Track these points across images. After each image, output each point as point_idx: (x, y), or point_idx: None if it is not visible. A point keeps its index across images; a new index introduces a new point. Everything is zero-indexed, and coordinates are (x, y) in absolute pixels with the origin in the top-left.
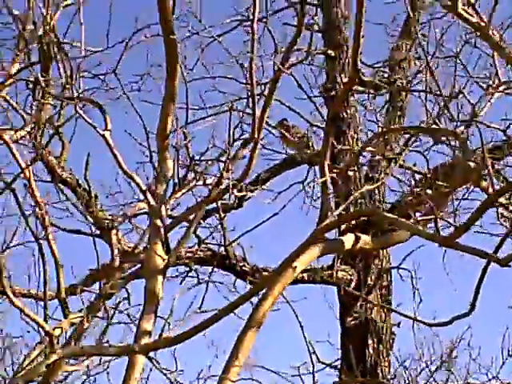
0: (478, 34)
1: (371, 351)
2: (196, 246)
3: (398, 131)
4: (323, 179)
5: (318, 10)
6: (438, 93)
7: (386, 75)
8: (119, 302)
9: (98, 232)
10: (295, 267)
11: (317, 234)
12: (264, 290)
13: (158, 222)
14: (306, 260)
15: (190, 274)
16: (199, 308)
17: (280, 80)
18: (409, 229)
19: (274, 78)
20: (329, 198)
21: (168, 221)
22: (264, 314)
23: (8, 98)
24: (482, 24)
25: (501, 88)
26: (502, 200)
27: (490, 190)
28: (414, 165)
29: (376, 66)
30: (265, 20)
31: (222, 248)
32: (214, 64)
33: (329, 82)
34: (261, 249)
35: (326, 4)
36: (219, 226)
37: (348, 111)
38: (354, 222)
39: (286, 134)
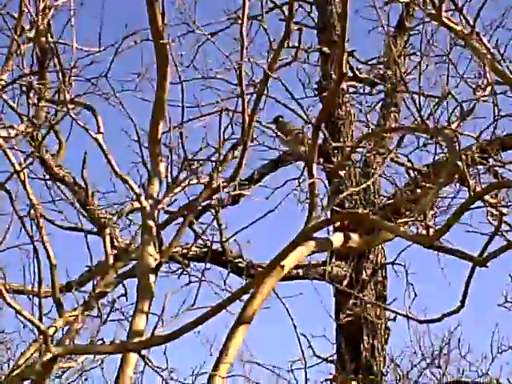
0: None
1: (366, 346)
2: (191, 242)
3: (387, 131)
4: (311, 180)
5: (313, 7)
6: (429, 94)
7: (380, 72)
8: (114, 301)
9: (95, 230)
10: (283, 266)
11: (304, 234)
12: (253, 289)
13: (151, 223)
14: (294, 259)
15: (182, 271)
16: (192, 305)
17: (269, 81)
18: (393, 231)
19: (262, 79)
20: (316, 199)
21: (164, 217)
22: (253, 312)
23: (6, 97)
24: (466, 32)
25: (488, 89)
26: (489, 199)
27: (478, 188)
28: (409, 161)
29: (370, 62)
30: (259, 18)
31: (218, 244)
32: (207, 63)
33: (323, 79)
34: (258, 245)
35: (321, 2)
36: (215, 223)
37: (343, 108)
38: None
39: (280, 131)
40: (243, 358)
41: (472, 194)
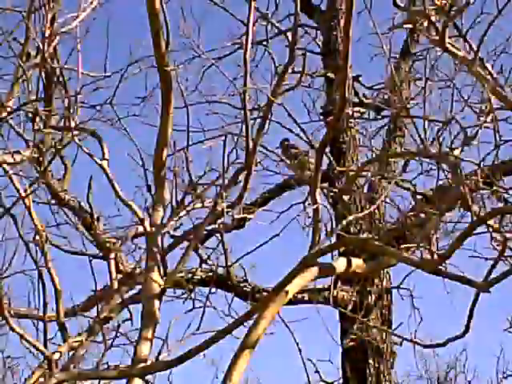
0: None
1: (372, 371)
2: (196, 267)
3: (391, 157)
4: (314, 206)
5: (318, 33)
6: (433, 119)
7: (385, 96)
8: (119, 325)
9: (100, 254)
10: (287, 291)
11: (307, 260)
12: (257, 314)
13: (155, 248)
14: (298, 284)
15: (187, 296)
16: (197, 330)
17: (274, 106)
18: (396, 257)
19: (266, 104)
20: (320, 224)
21: (169, 241)
22: (257, 338)
23: (12, 123)
24: (469, 57)
25: (490, 115)
26: (492, 223)
27: (481, 213)
28: (414, 186)
29: (376, 87)
30: (264, 43)
31: (224, 269)
32: (212, 88)
33: (328, 104)
34: (263, 269)
35: (326, 27)
36: (220, 247)
37: (348, 133)
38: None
39: (285, 156)
40: (249, 383)
41: (475, 218)
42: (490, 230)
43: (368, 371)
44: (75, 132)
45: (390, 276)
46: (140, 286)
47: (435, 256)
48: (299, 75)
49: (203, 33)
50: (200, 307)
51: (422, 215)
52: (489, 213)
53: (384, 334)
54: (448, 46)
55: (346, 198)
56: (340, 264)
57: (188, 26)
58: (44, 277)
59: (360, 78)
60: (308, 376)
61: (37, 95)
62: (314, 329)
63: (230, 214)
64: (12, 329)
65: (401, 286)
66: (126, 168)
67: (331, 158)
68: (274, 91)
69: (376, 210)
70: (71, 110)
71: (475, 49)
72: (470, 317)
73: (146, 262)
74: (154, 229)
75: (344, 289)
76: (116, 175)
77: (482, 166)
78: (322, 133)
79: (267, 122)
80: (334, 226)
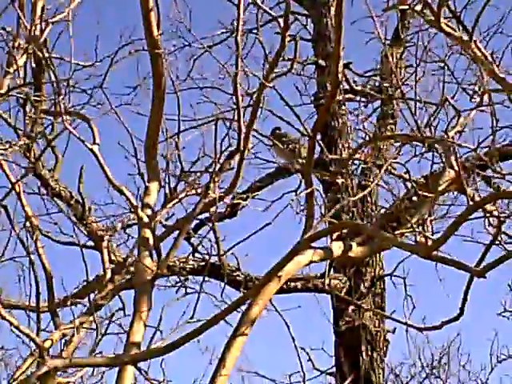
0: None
1: (365, 358)
2: (187, 255)
3: (384, 139)
4: (308, 190)
5: (309, 20)
6: (426, 101)
7: (377, 83)
8: (113, 314)
9: (92, 244)
10: (280, 277)
11: (301, 244)
12: (250, 300)
13: (147, 234)
14: (292, 269)
15: (181, 284)
16: (191, 318)
17: (265, 92)
18: (390, 241)
19: (258, 91)
20: (314, 209)
21: (162, 230)
22: (251, 323)
23: (0, 112)
24: (465, 38)
25: (485, 97)
26: (487, 207)
27: (477, 198)
28: (407, 171)
29: (367, 74)
30: (255, 31)
31: (216, 257)
32: (204, 74)
33: (319, 91)
34: (256, 257)
35: (316, 14)
36: (212, 236)
37: (339, 120)
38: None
39: (277, 144)
40: (242, 368)
41: (471, 203)
42: (486, 214)
43: (361, 359)
44: (66, 117)
45: (382, 264)
46: (131, 275)
47: (429, 241)
48: (290, 62)
49: (195, 19)
50: (193, 292)
51: (416, 199)
52: (486, 197)
53: (377, 321)
54: (443, 25)
55: (339, 181)
56: (336, 247)
57: (179, 13)
58: (35, 266)
59: (351, 65)
60: (301, 364)
61: (24, 81)
62: (307, 318)
63: (223, 201)
64: (3, 317)
65: (394, 274)
66: (120, 156)
67: (322, 146)
68: (266, 76)
69: (369, 197)
70: (61, 96)
71: (470, 30)
72: (465, 300)
73: (138, 249)
74: (146, 215)
75: (337, 276)
76: (109, 163)
77: (477, 151)
78: (314, 120)
79: (259, 106)
80: (326, 210)
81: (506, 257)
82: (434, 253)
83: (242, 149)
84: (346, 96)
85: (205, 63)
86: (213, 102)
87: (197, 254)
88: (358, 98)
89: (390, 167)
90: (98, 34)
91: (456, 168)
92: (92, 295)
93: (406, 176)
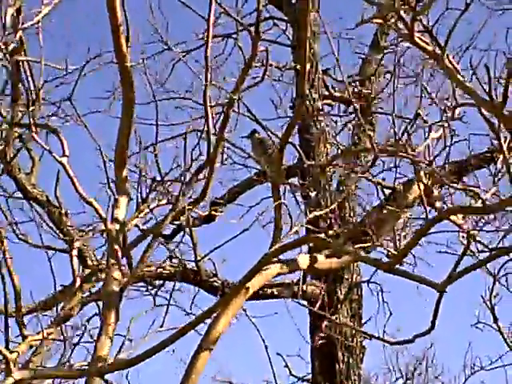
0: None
1: (341, 365)
2: (163, 261)
3: (357, 153)
4: (276, 203)
5: (288, 25)
6: (400, 115)
7: (356, 90)
8: (85, 325)
9: (65, 248)
10: (248, 288)
11: (267, 257)
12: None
13: (116, 246)
14: (260, 281)
15: (150, 293)
16: (160, 327)
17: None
18: (354, 256)
19: (227, 103)
20: (281, 222)
21: (135, 235)
22: (218, 335)
23: None
24: (438, 51)
25: (457, 111)
26: (456, 220)
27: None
28: (383, 179)
29: (346, 80)
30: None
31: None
32: (179, 83)
33: (298, 97)
34: (234, 263)
35: (294, 19)
36: (189, 242)
37: (318, 126)
38: None
39: (254, 148)
40: (217, 377)
41: (430, 218)
42: (456, 227)
43: (337, 366)
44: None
45: (360, 270)
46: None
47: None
48: (262, 72)
49: (172, 27)
50: (164, 305)
51: (385, 211)
52: (446, 210)
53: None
54: (417, 39)
55: (313, 193)
56: (303, 260)
57: (155, 22)
58: (4, 275)
59: (329, 71)
60: (274, 372)
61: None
62: (283, 323)
63: (194, 210)
64: None
65: (371, 281)
66: (92, 165)
67: (300, 152)
68: (236, 88)
69: (346, 205)
70: (29, 108)
71: (442, 44)
72: (436, 315)
73: (106, 260)
74: (115, 225)
75: (313, 283)
76: (82, 173)
77: (431, 165)
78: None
79: (229, 119)
80: (299, 220)
81: (467, 270)
82: (396, 267)
83: (212, 160)
84: (324, 102)
85: (181, 70)
86: (187, 110)
87: (174, 260)
88: (335, 105)
89: (367, 174)
90: (70, 42)
91: (424, 181)
92: (60, 304)
93: (384, 183)
